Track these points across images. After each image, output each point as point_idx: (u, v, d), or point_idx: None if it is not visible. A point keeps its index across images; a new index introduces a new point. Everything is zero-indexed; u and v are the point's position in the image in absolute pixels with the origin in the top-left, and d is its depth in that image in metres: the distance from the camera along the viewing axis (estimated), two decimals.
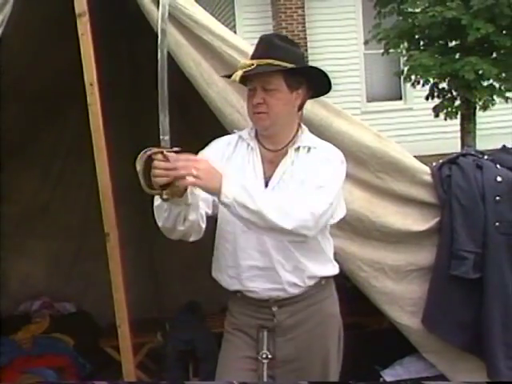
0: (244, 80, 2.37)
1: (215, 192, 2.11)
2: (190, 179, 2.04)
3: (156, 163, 2.05)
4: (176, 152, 2.07)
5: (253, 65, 2.30)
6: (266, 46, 2.37)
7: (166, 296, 5.01)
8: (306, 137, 2.44)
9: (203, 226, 2.34)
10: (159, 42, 2.08)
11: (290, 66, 2.31)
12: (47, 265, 5.00)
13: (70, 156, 4.85)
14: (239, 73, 2.30)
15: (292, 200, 2.21)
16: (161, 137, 2.07)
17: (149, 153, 2.06)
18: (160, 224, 2.26)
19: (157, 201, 2.20)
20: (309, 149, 2.39)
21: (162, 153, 2.05)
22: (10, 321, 4.67)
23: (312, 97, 2.52)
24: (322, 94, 2.57)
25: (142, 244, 4.96)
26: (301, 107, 2.44)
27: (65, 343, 4.45)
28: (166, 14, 2.12)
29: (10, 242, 4.74)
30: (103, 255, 2.88)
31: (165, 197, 2.10)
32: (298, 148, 2.39)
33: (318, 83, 2.44)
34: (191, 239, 2.34)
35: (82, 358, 4.38)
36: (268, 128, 2.36)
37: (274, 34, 2.46)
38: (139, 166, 2.06)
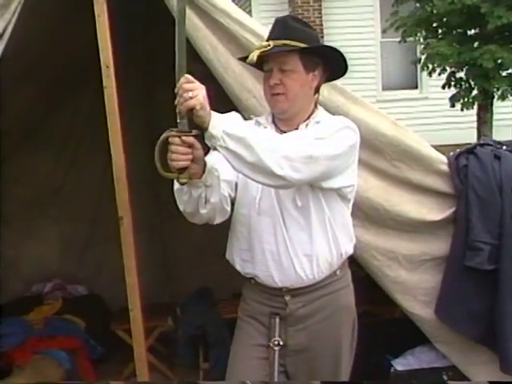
0: (260, 63, 2.35)
1: (204, 121, 2.02)
2: (194, 100, 1.98)
3: (173, 148, 2.03)
4: (194, 136, 2.05)
5: (269, 45, 2.29)
6: (281, 27, 2.36)
7: (177, 281, 5.03)
8: (319, 113, 2.42)
9: (228, 208, 2.32)
10: (176, 23, 2.05)
11: (306, 46, 2.30)
12: (60, 247, 5.03)
13: (83, 139, 4.85)
14: (256, 53, 2.28)
15: (283, 140, 2.15)
16: (178, 120, 2.04)
17: (165, 135, 2.04)
18: (181, 208, 2.24)
19: (176, 184, 2.17)
20: (318, 122, 2.38)
21: (179, 137, 2.03)
22: (23, 302, 4.71)
23: (328, 80, 2.50)
24: (338, 77, 2.54)
25: (153, 229, 4.97)
26: (317, 89, 2.42)
27: (76, 325, 4.47)
28: None
29: (23, 224, 4.78)
30: (116, 239, 2.88)
31: (182, 180, 2.08)
32: (308, 124, 2.38)
33: (334, 65, 2.43)
34: (216, 221, 2.32)
35: (93, 340, 4.41)
36: (286, 110, 2.34)
37: (289, 15, 2.44)
38: (157, 149, 2.04)
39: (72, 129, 4.86)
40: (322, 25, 12.05)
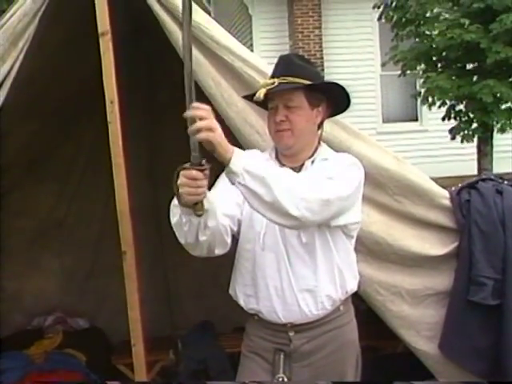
0: (264, 101, 2.38)
1: (225, 158, 2.02)
2: (205, 133, 1.95)
3: (189, 182, 2.00)
4: (201, 170, 2.01)
5: (274, 83, 2.32)
6: (285, 65, 2.39)
7: (179, 314, 5.01)
8: (323, 150, 2.45)
9: (228, 240, 2.30)
10: (184, 59, 2.05)
11: (310, 83, 2.34)
12: (61, 280, 5.01)
13: (86, 172, 4.87)
14: (263, 90, 2.31)
15: (300, 181, 2.15)
16: (192, 153, 2.02)
17: (179, 170, 2.04)
18: (183, 241, 2.22)
19: (174, 218, 2.17)
20: (325, 159, 2.40)
21: (198, 170, 2.01)
22: (23, 335, 4.67)
23: (331, 115, 2.53)
24: (341, 112, 2.57)
25: (156, 262, 4.96)
26: (320, 125, 2.45)
27: (77, 359, 4.44)
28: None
29: (25, 256, 4.77)
30: (117, 271, 2.88)
31: (199, 212, 2.08)
32: (314, 161, 2.40)
33: (337, 100, 2.46)
34: (217, 253, 2.28)
35: (94, 374, 4.37)
36: (292, 146, 2.36)
37: (292, 53, 2.49)
38: (174, 185, 2.05)
39: (74, 162, 4.89)
40: (322, 58, 12.18)
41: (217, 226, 2.22)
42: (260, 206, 2.10)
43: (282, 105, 2.34)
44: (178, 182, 2.00)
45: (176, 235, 2.24)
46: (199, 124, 1.95)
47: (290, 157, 2.39)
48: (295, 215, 2.10)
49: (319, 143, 2.46)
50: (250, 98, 2.45)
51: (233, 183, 2.08)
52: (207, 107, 1.99)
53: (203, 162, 2.02)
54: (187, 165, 2.03)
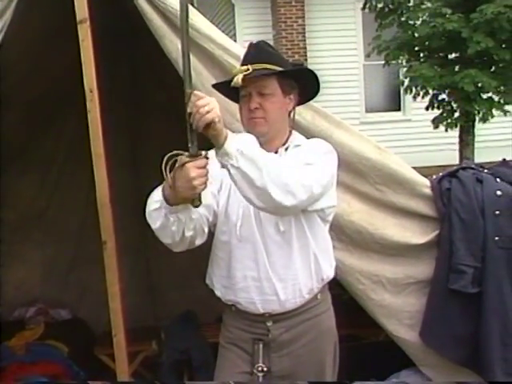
0: (232, 91, 2.38)
1: (219, 141, 2.03)
2: (210, 115, 1.98)
3: (197, 172, 2.02)
4: (205, 158, 2.05)
5: (248, 69, 2.31)
6: (256, 52, 2.40)
7: (161, 305, 5.00)
8: (296, 137, 2.46)
9: (206, 229, 2.32)
10: (182, 47, 2.10)
11: (283, 69, 2.35)
12: (43, 271, 4.98)
13: (67, 163, 4.84)
14: (240, 76, 2.29)
15: (287, 166, 2.16)
16: (189, 144, 2.04)
17: (183, 161, 2.04)
18: (169, 241, 2.24)
19: (157, 222, 2.17)
20: (297, 146, 2.41)
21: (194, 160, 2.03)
22: (4, 327, 4.63)
23: (300, 103, 2.54)
24: (311, 99, 2.59)
25: (138, 253, 4.94)
26: (291, 112, 2.46)
27: (59, 350, 4.42)
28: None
29: (6, 247, 4.72)
30: (99, 263, 2.86)
31: (197, 203, 2.11)
32: (287, 148, 2.40)
33: (307, 87, 2.48)
34: (197, 243, 2.31)
35: (76, 365, 4.35)
36: (266, 133, 2.36)
37: (260, 40, 2.47)
38: (170, 176, 2.06)
39: (55, 153, 4.85)
40: (305, 48, 12.16)
41: (199, 218, 2.24)
42: (249, 190, 2.10)
43: (255, 92, 2.34)
44: (191, 174, 2.00)
45: (159, 237, 2.25)
46: (209, 106, 1.97)
47: (264, 144, 2.38)
48: (281, 201, 2.10)
49: (290, 130, 2.47)
50: (219, 86, 2.45)
51: (224, 166, 2.08)
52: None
53: (202, 152, 2.03)
54: (186, 158, 2.02)
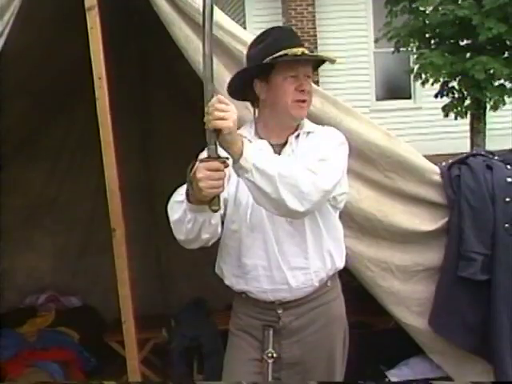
0: (269, 68, 2.31)
1: (235, 152, 2.01)
2: (224, 122, 1.95)
3: (209, 174, 1.97)
4: (222, 162, 1.99)
5: (303, 51, 2.29)
6: (293, 36, 2.40)
7: (171, 292, 5.02)
8: (304, 124, 2.43)
9: (219, 228, 2.30)
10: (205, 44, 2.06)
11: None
12: (54, 258, 5.02)
13: (78, 150, 4.86)
14: (304, 50, 2.28)
15: (303, 175, 2.13)
16: (209, 146, 2.00)
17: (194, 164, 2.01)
18: (182, 237, 2.22)
19: (175, 214, 2.16)
20: (308, 133, 2.39)
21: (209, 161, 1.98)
22: (16, 314, 4.69)
23: None
24: None
25: (148, 241, 4.96)
26: None
27: (70, 337, 4.46)
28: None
29: (17, 235, 4.77)
30: (110, 250, 2.87)
31: (215, 207, 2.03)
32: (298, 135, 2.38)
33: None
34: (210, 243, 2.30)
35: (86, 352, 4.40)
36: (303, 118, 2.38)
37: (284, 25, 2.46)
38: (188, 181, 2.03)
39: (66, 140, 4.87)
40: (315, 35, 12.08)
41: (218, 222, 2.24)
42: (264, 200, 2.12)
43: (302, 75, 2.32)
44: (198, 175, 1.97)
45: (173, 231, 2.22)
46: (222, 114, 1.94)
47: (279, 131, 2.36)
48: (298, 210, 2.13)
49: None
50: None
51: (239, 176, 2.09)
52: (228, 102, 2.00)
53: (220, 155, 1.99)
54: (204, 158, 1.99)
